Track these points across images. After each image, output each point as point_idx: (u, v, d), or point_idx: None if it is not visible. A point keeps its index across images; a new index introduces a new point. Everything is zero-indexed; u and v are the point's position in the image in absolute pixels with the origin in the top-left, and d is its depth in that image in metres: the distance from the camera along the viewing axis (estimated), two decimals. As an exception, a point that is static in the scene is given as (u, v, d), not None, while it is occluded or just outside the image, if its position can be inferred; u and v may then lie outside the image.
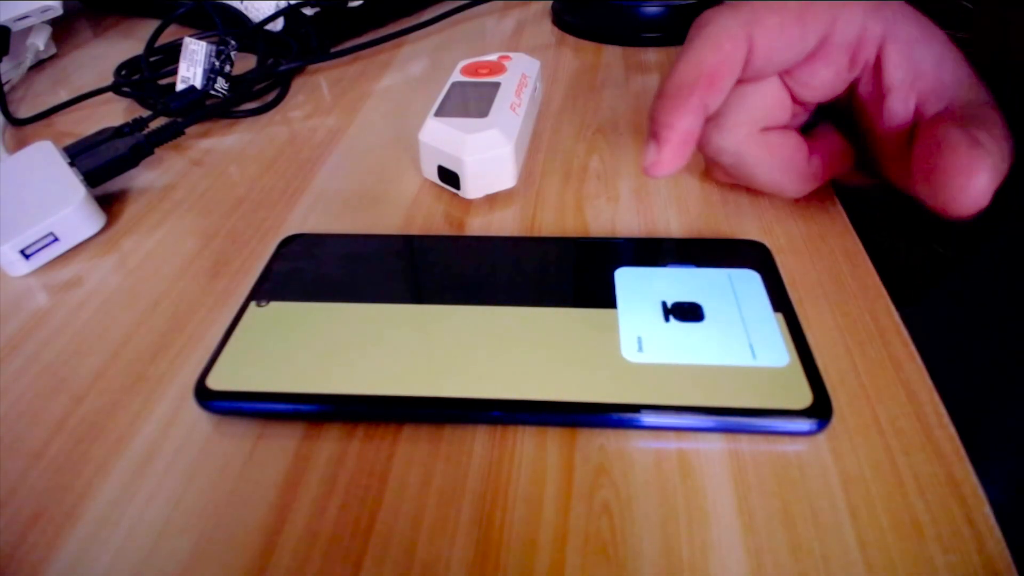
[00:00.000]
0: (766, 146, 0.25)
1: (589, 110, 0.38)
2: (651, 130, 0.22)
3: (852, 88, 0.24)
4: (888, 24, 0.22)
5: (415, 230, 0.29)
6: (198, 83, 0.39)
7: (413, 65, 0.45)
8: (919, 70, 0.23)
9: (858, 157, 0.26)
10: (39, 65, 0.48)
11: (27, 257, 0.28)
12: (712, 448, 0.19)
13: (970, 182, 0.19)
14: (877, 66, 0.23)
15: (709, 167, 0.29)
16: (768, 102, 0.25)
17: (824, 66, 0.24)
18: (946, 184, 0.19)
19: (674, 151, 0.22)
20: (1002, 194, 0.24)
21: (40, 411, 0.22)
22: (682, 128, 0.21)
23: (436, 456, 0.20)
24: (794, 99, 0.25)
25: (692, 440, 0.20)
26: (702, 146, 0.26)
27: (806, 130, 0.27)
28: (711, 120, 0.25)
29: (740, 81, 0.23)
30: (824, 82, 0.24)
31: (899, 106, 0.23)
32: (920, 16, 0.23)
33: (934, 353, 0.22)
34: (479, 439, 0.20)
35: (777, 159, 0.26)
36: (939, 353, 0.23)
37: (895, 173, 0.24)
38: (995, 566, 0.16)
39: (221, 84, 0.39)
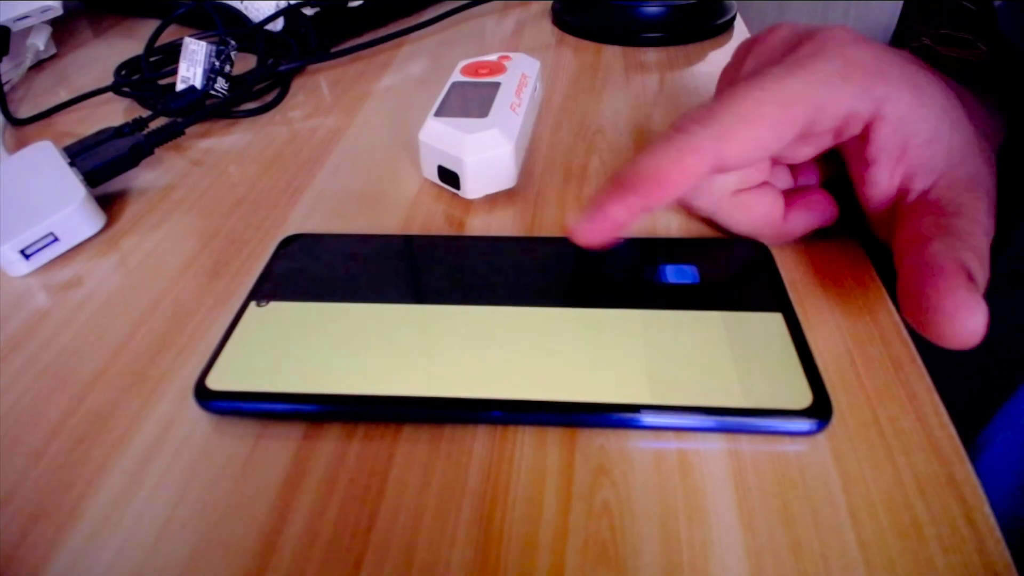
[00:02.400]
0: (740, 206, 0.25)
1: (589, 110, 0.38)
2: (591, 201, 0.22)
3: (843, 144, 0.24)
4: (879, 103, 0.21)
5: (415, 230, 0.29)
6: (198, 83, 0.39)
7: (413, 65, 0.45)
8: (908, 146, 0.22)
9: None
10: (39, 65, 0.48)
11: (27, 257, 0.28)
12: (712, 448, 0.19)
13: (968, 325, 0.18)
14: (864, 138, 0.22)
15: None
16: (744, 169, 0.24)
17: (805, 145, 0.23)
18: (941, 324, 0.19)
19: (598, 231, 0.22)
20: (1003, 199, 0.24)
21: (40, 411, 0.22)
22: (613, 216, 0.22)
23: (436, 456, 0.20)
24: (773, 160, 0.25)
25: (692, 440, 0.20)
26: (679, 199, 0.26)
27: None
28: None
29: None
30: (806, 154, 0.24)
31: (882, 178, 0.23)
32: (920, 83, 0.22)
33: (934, 353, 0.22)
34: (479, 439, 0.20)
35: (751, 217, 0.25)
36: (939, 353, 0.23)
37: (877, 230, 0.24)
38: (995, 566, 0.16)
39: (221, 84, 0.39)
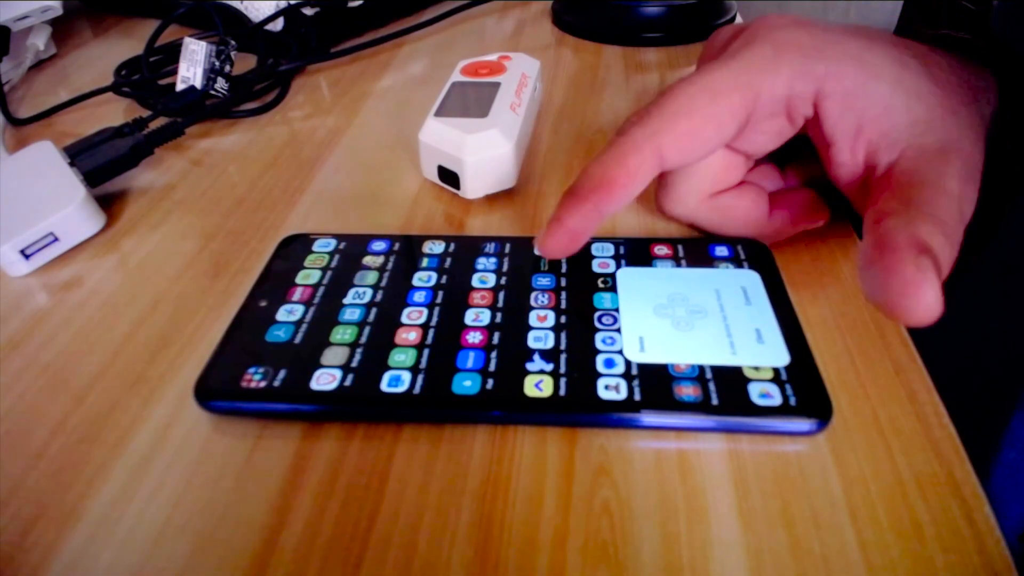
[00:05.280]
0: (718, 209, 0.25)
1: (589, 110, 0.38)
2: (552, 216, 0.22)
3: (806, 128, 0.24)
4: (821, 80, 0.21)
5: (415, 230, 0.29)
6: (198, 83, 0.39)
7: (413, 65, 0.45)
8: (863, 121, 0.22)
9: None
10: (39, 65, 0.48)
11: (27, 257, 0.28)
12: (712, 448, 0.19)
13: (918, 302, 0.18)
14: (817, 118, 0.22)
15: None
16: (714, 170, 0.25)
17: (759, 133, 0.23)
18: (891, 302, 0.18)
19: (559, 243, 0.22)
20: (1005, 198, 0.24)
21: (40, 411, 0.22)
22: (570, 226, 0.22)
23: (436, 456, 0.20)
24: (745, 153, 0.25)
25: (692, 440, 0.20)
26: (659, 209, 0.27)
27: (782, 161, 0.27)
28: (663, 188, 0.26)
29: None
30: (765, 142, 0.24)
31: (844, 157, 0.22)
32: (864, 56, 0.22)
33: (934, 353, 0.22)
34: (479, 439, 0.20)
35: (731, 219, 0.25)
36: (939, 353, 0.23)
37: (859, 208, 0.24)
38: (995, 566, 0.16)
39: (221, 84, 0.39)
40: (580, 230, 0.22)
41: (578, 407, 0.20)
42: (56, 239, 0.28)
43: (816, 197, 0.26)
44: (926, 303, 0.18)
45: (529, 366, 0.21)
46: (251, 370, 0.21)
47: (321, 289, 0.24)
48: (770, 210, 0.25)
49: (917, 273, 0.18)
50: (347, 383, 0.21)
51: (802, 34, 0.22)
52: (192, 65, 0.39)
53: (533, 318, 0.23)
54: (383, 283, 0.25)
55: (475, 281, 0.24)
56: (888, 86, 0.22)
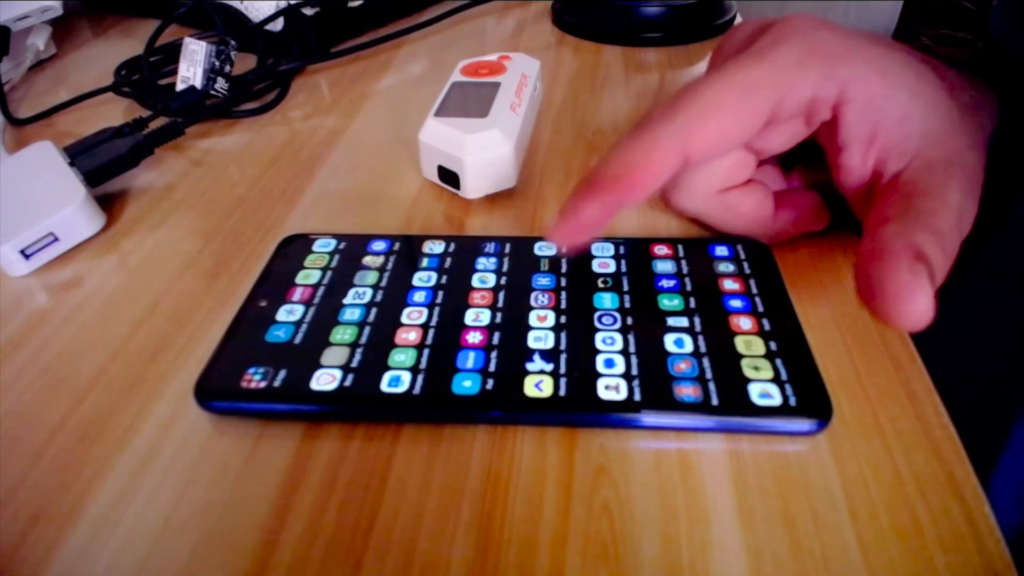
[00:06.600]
0: (726, 206, 0.25)
1: (589, 110, 0.38)
2: (565, 203, 0.22)
3: (816, 131, 0.24)
4: (844, 85, 0.21)
5: (415, 230, 0.29)
6: (198, 83, 0.39)
7: (413, 65, 0.45)
8: (878, 128, 0.22)
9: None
10: (39, 65, 0.48)
11: (27, 257, 0.28)
12: (712, 448, 0.19)
13: (910, 307, 0.18)
14: (834, 123, 0.22)
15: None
16: (725, 167, 0.25)
17: (777, 134, 0.23)
18: (884, 306, 0.18)
19: (571, 232, 0.22)
20: (1004, 199, 0.24)
21: (40, 411, 0.22)
22: (585, 216, 0.21)
23: (436, 456, 0.20)
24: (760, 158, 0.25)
25: (692, 440, 0.20)
26: (665, 202, 0.26)
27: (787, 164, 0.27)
28: (672, 182, 0.25)
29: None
30: (780, 143, 0.24)
31: (855, 162, 0.23)
32: (886, 64, 0.22)
33: (934, 353, 0.22)
34: (479, 439, 0.20)
35: (738, 216, 0.25)
36: (939, 353, 0.23)
37: (858, 214, 0.24)
38: (995, 566, 0.16)
39: (221, 84, 0.39)
40: (595, 221, 0.21)
41: (578, 407, 0.20)
42: (56, 239, 0.28)
43: (820, 200, 0.26)
44: (918, 309, 0.18)
45: (529, 366, 0.21)
46: (251, 370, 0.21)
47: (321, 289, 0.24)
48: (775, 210, 0.25)
49: (912, 279, 0.18)
50: (347, 383, 0.21)
51: (829, 37, 0.22)
52: (192, 65, 0.39)
53: (533, 318, 0.23)
54: (383, 283, 0.25)
55: (475, 281, 0.24)
56: (907, 96, 0.22)
